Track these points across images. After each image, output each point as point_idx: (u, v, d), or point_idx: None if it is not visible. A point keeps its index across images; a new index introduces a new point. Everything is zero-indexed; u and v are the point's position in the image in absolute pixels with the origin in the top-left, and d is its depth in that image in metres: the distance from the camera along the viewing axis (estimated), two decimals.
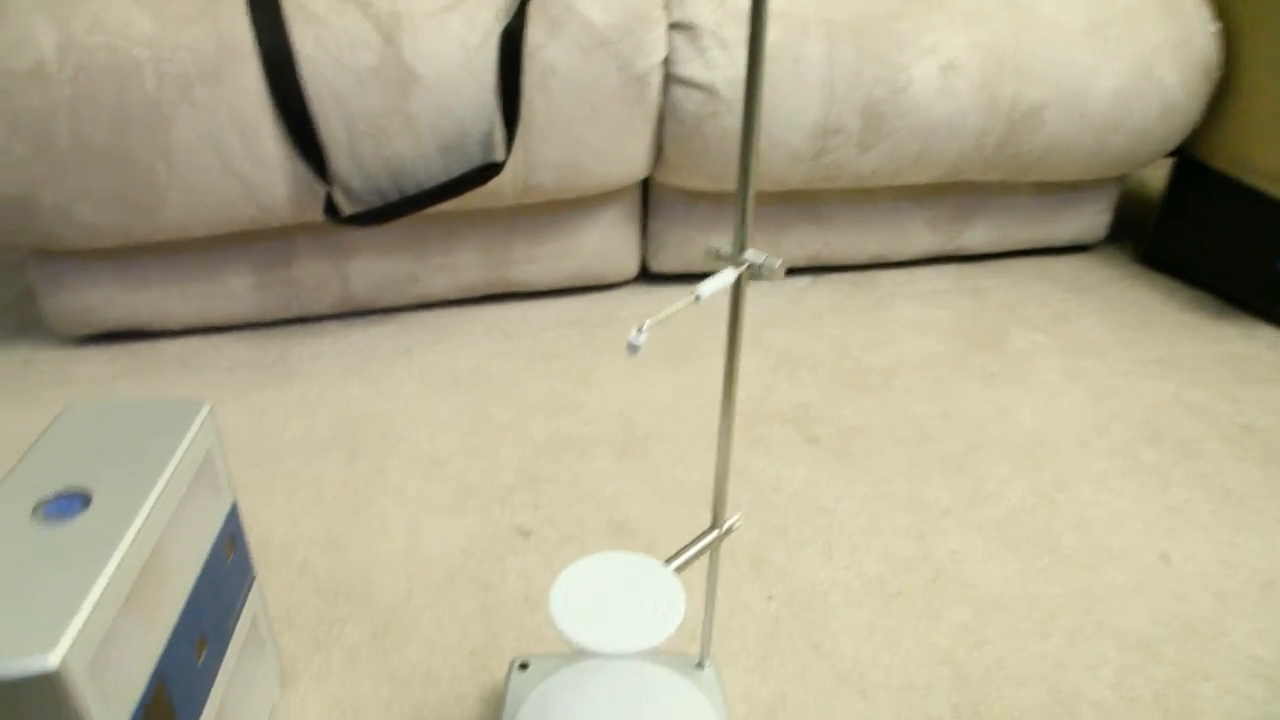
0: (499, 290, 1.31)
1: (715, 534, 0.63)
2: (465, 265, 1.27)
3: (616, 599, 0.57)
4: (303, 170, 1.09)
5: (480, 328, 1.27)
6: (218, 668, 0.62)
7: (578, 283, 1.33)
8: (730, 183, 1.20)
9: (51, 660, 0.43)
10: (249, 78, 1.04)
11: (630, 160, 1.16)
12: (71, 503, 0.53)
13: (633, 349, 0.44)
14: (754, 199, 0.58)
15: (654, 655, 0.73)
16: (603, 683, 0.70)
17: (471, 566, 0.87)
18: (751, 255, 0.50)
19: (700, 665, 0.72)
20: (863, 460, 1.00)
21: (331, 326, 1.29)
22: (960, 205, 1.40)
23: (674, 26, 1.13)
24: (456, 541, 0.91)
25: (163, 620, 0.54)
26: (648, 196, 1.31)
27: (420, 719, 0.73)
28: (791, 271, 1.39)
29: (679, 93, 1.14)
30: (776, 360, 1.17)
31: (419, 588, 0.85)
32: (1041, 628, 0.81)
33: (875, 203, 1.35)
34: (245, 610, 0.67)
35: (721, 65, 1.11)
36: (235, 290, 1.24)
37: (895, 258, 1.43)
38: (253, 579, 0.69)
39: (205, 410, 0.61)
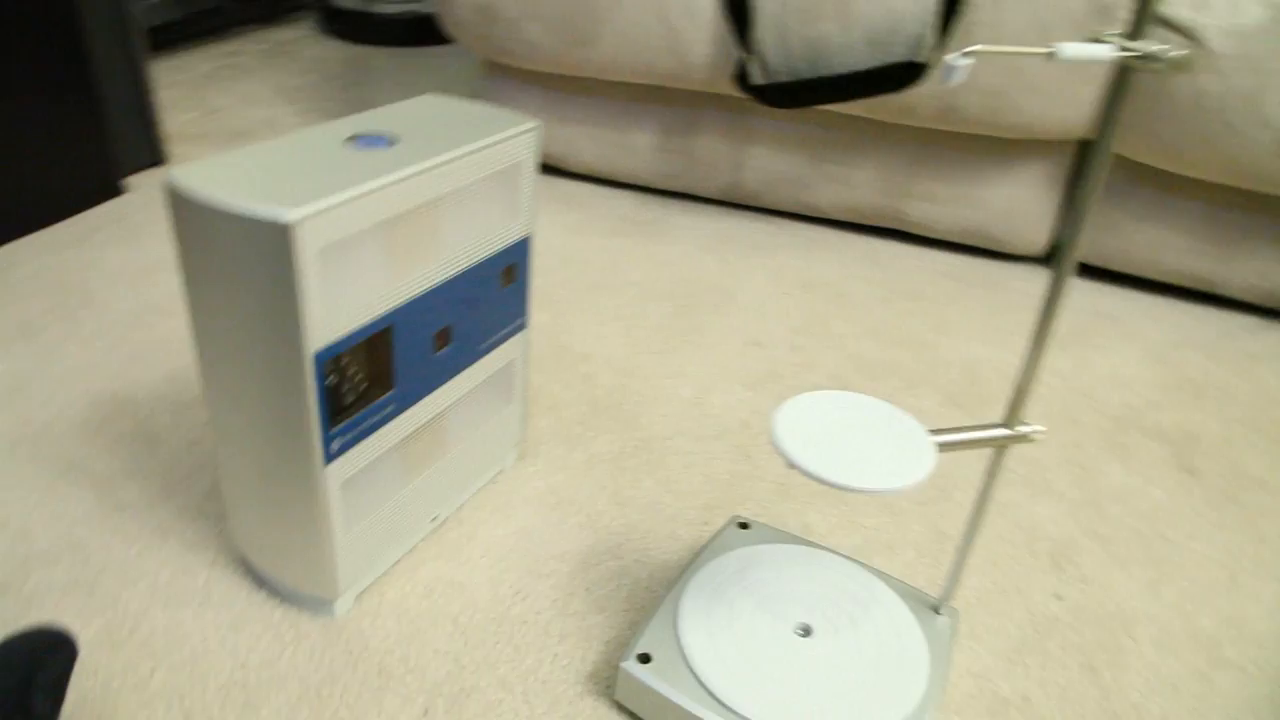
0: (885, 223, 1.23)
1: (1001, 431, 0.52)
2: (859, 183, 1.20)
3: (853, 437, 0.49)
4: (727, 33, 1.08)
5: (852, 252, 1.20)
6: (450, 376, 0.62)
7: (972, 240, 1.20)
8: (1191, 166, 1.01)
9: (289, 216, 0.45)
10: None
11: (1070, 107, 1.02)
12: (379, 140, 0.55)
13: (950, 71, 0.35)
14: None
15: (885, 576, 0.63)
16: (813, 572, 0.61)
17: (743, 437, 0.82)
18: (1145, 44, 0.39)
19: (937, 610, 0.60)
20: (1249, 513, 0.80)
21: (710, 209, 1.29)
22: None
23: None
24: (740, 412, 0.85)
25: (410, 278, 0.54)
26: (1080, 163, 1.15)
27: (624, 538, 0.69)
28: (1234, 305, 1.15)
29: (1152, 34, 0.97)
30: (1178, 381, 0.98)
31: (684, 434, 0.81)
32: None
33: None
34: (502, 349, 0.67)
35: (1220, 8, 0.92)
36: (638, 147, 1.27)
37: None
38: (522, 327, 0.69)
39: (531, 125, 0.61)
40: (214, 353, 0.52)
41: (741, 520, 0.66)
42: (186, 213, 0.48)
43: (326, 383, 0.51)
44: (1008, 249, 1.20)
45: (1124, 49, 0.39)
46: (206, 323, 0.52)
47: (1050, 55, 0.37)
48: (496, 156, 0.58)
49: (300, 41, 2.02)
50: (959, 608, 0.66)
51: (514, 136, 0.59)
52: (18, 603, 0.60)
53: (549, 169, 1.37)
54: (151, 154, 1.28)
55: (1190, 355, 1.03)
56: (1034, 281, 1.17)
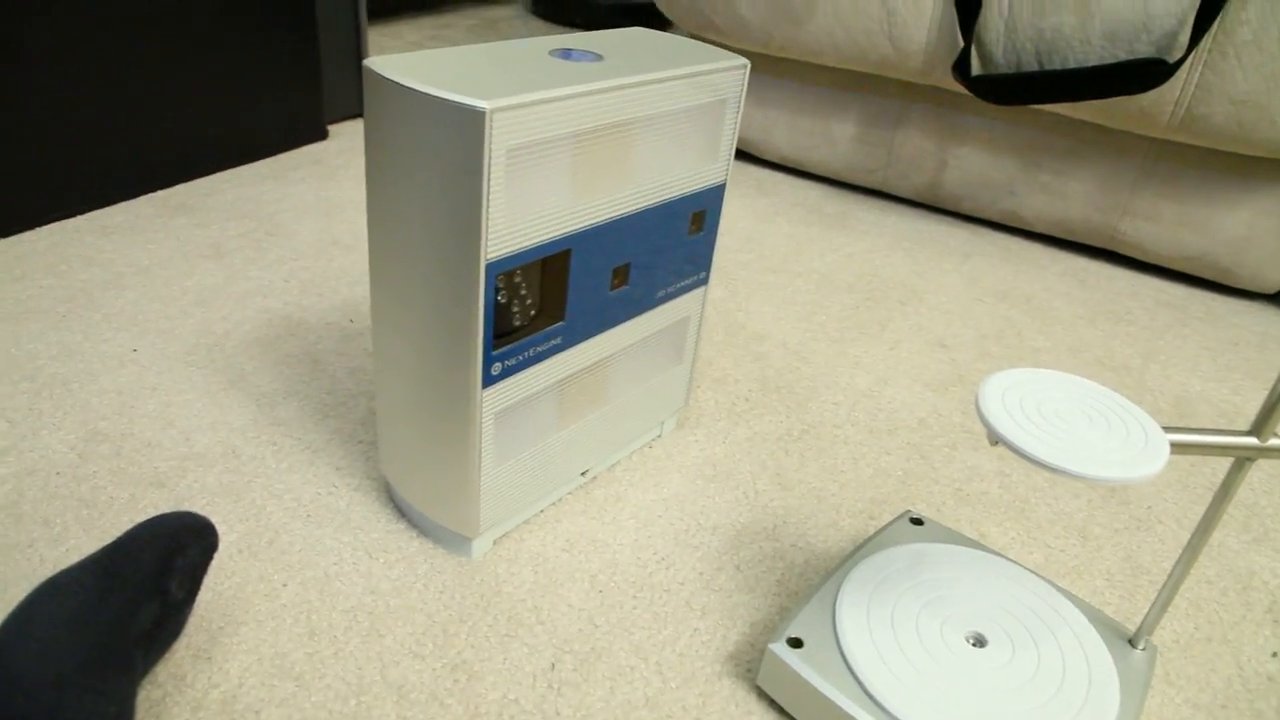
0: (1097, 241, 1.13)
1: (1250, 441, 0.45)
2: (1073, 193, 1.10)
3: (1071, 420, 0.42)
4: (949, 18, 1.01)
5: (1057, 268, 1.11)
6: (623, 320, 0.59)
7: (1196, 269, 1.09)
8: None
9: (483, 104, 0.43)
10: None
11: None
12: (586, 55, 0.52)
13: None
14: None
15: (1077, 600, 0.55)
16: (992, 580, 0.55)
17: (919, 435, 0.75)
18: None
19: (1134, 644, 0.53)
20: None
21: (903, 209, 1.22)
22: None
23: None
24: (919, 410, 0.79)
25: (596, 202, 0.52)
26: None
27: (781, 520, 0.65)
28: None
29: None
30: None
31: (855, 425, 0.76)
32: None
33: None
34: (679, 302, 0.63)
35: None
36: (836, 138, 1.21)
37: None
38: (704, 282, 0.65)
39: (741, 62, 0.57)
40: (386, 251, 0.51)
41: (915, 515, 0.60)
42: (380, 96, 0.46)
43: (496, 298, 0.49)
44: (1235, 282, 1.08)
45: None
46: (383, 218, 0.50)
47: None
48: (702, 87, 0.55)
49: (509, 20, 2.06)
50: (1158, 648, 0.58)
51: (723, 70, 0.56)
52: (171, 499, 0.61)
53: (741, 154, 1.33)
54: (357, 105, 1.32)
55: None
56: (1264, 320, 1.05)
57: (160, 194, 1.03)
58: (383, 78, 0.45)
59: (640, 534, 0.62)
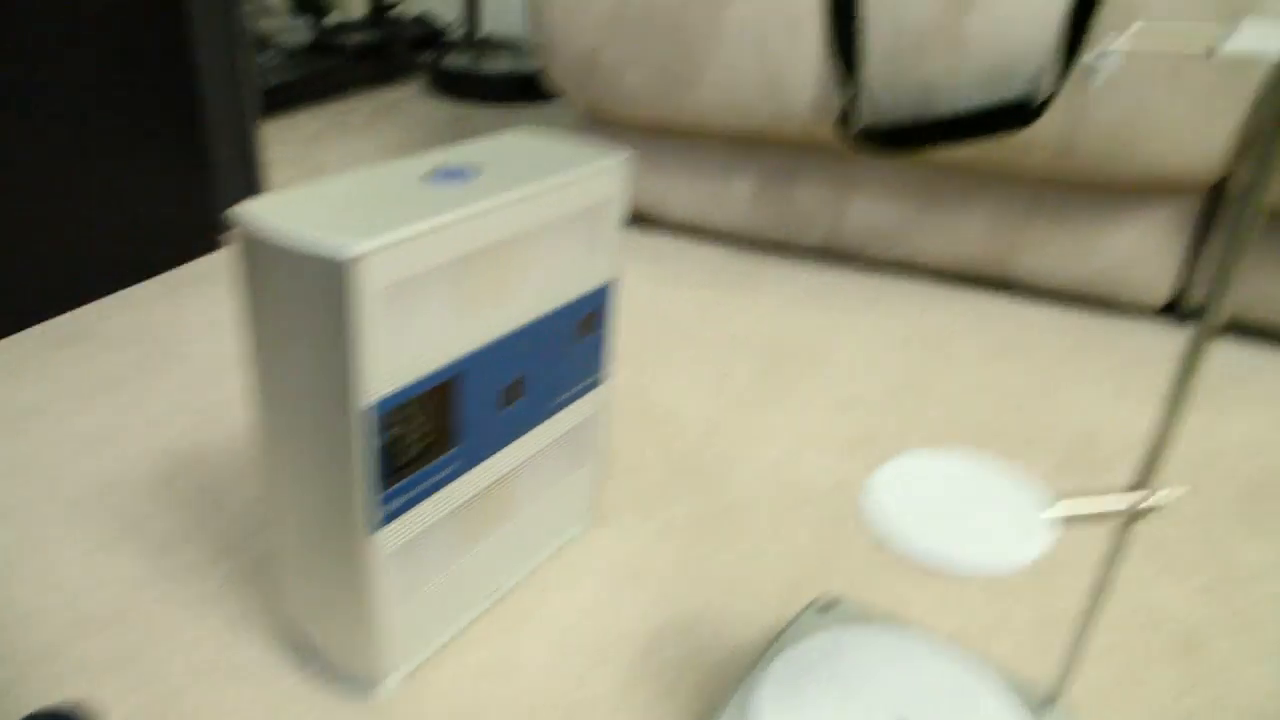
0: (993, 273, 1.15)
1: (1136, 497, 0.45)
2: (967, 230, 1.12)
3: (956, 506, 0.42)
4: (831, 75, 1.03)
5: (957, 306, 1.12)
6: (520, 434, 0.58)
7: (1087, 292, 1.11)
8: None
9: (348, 251, 0.42)
10: None
11: (1202, 148, 0.93)
12: (458, 174, 0.52)
13: (1096, 69, 0.30)
14: None
15: (983, 666, 0.55)
16: (909, 660, 0.54)
17: (834, 506, 0.75)
18: None
19: (1050, 708, 0.53)
20: None
21: (807, 262, 1.23)
22: None
23: None
24: (831, 477, 0.79)
25: (481, 325, 0.51)
26: (1213, 208, 1.05)
27: (697, 618, 0.64)
28: None
29: None
30: None
31: (769, 501, 0.75)
32: None
33: None
34: (577, 406, 0.63)
35: None
36: (734, 197, 1.22)
37: None
38: (601, 382, 0.64)
39: (620, 160, 0.57)
40: (267, 403, 0.50)
41: (826, 600, 0.59)
42: (245, 245, 0.45)
43: (383, 438, 0.47)
44: (1126, 302, 1.11)
45: None
46: (259, 367, 0.49)
47: (1210, 53, 0.31)
48: (581, 192, 0.55)
49: (410, 101, 2.06)
50: (1075, 704, 0.58)
51: (601, 172, 0.56)
52: (63, 670, 0.58)
53: (641, 220, 1.34)
54: None
55: None
56: (1154, 337, 1.07)
57: (43, 326, 1.00)
58: (247, 229, 0.45)
59: (556, 651, 0.61)
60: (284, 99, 1.97)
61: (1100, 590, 0.49)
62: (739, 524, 0.73)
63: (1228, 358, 1.03)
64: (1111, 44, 0.30)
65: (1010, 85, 0.95)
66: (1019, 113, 0.94)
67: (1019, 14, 0.93)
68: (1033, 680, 0.60)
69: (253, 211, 0.45)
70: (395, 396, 0.47)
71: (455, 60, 2.13)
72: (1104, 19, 0.90)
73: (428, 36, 2.34)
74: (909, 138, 1.00)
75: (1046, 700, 0.53)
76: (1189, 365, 0.42)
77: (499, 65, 2.10)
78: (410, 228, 0.44)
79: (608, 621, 0.63)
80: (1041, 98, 0.95)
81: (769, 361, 0.97)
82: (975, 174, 1.09)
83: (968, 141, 0.97)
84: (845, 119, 1.02)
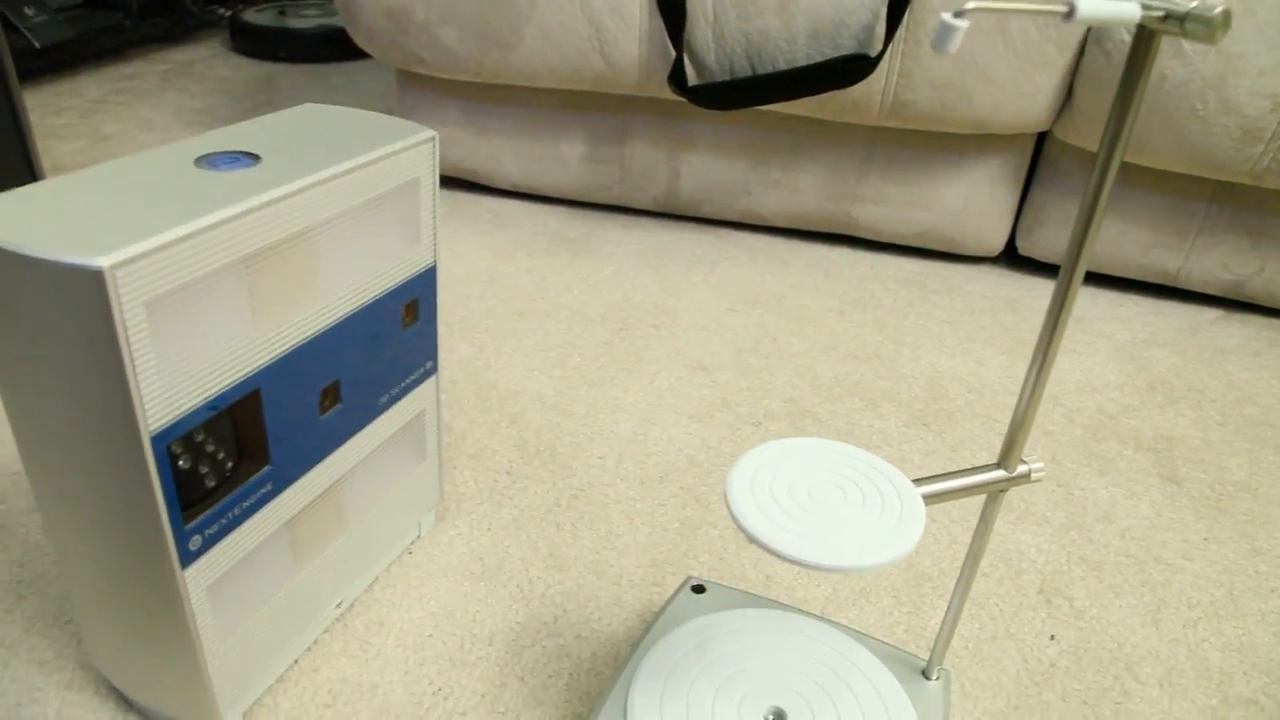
0: (834, 229, 1.15)
1: (999, 474, 0.44)
2: (805, 187, 1.12)
3: (824, 499, 0.40)
4: (658, 31, 0.99)
5: (800, 261, 1.12)
6: (344, 440, 0.52)
7: (926, 243, 1.13)
8: (1154, 156, 0.94)
9: (101, 261, 0.35)
10: None
11: (1029, 100, 0.95)
12: (239, 160, 0.45)
13: (945, 36, 0.27)
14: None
15: (864, 637, 0.54)
16: (783, 641, 0.52)
17: (693, 477, 0.73)
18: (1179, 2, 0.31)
19: (927, 675, 0.52)
20: (1242, 524, 0.73)
21: (646, 221, 1.20)
22: None
23: None
24: (687, 448, 0.76)
25: (281, 329, 0.45)
26: (1038, 158, 1.08)
27: (561, 610, 0.60)
28: (1198, 298, 1.09)
29: None
30: (1150, 383, 0.91)
31: (626, 478, 0.72)
32: None
33: None
34: (408, 400, 0.57)
35: None
36: (566, 158, 1.17)
37: None
38: (431, 372, 0.59)
39: (427, 136, 0.51)
40: (31, 435, 0.42)
41: (696, 583, 0.57)
42: None
43: (177, 466, 0.41)
44: (963, 250, 1.13)
45: (1148, 6, 0.31)
46: (18, 397, 0.41)
47: (1068, 14, 0.28)
48: (385, 174, 0.49)
49: (206, 61, 1.90)
50: (948, 664, 0.58)
51: (406, 149, 0.50)
52: None
53: (471, 186, 1.27)
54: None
55: (1160, 354, 0.97)
56: (992, 284, 1.10)
57: None
58: None
59: (410, 663, 0.56)
60: (57, 61, 1.78)
61: (971, 561, 0.48)
62: (596, 506, 0.69)
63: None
64: (967, 3, 0.28)
65: (840, 41, 0.94)
66: (850, 68, 0.93)
67: None
68: (908, 645, 0.60)
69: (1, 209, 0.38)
70: (184, 421, 0.40)
71: (257, 15, 1.98)
72: None
73: None
74: (743, 94, 0.97)
75: (924, 669, 0.52)
76: (1049, 338, 0.41)
77: (306, 19, 1.96)
78: (179, 228, 0.38)
79: (466, 625, 0.58)
80: (873, 53, 0.94)
81: (614, 330, 0.94)
82: (810, 129, 1.08)
83: (800, 96, 0.96)
84: (677, 77, 0.98)
